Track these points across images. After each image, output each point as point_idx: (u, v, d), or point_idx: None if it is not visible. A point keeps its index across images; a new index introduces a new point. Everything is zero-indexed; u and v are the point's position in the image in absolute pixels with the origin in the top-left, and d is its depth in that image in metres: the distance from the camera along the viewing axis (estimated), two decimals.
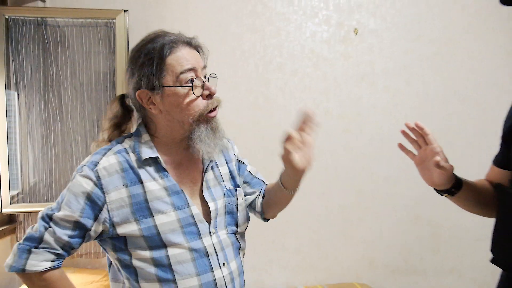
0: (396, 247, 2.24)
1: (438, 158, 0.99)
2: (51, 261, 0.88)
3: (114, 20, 2.00)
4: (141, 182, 0.91)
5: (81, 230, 0.89)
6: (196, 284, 0.92)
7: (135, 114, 1.03)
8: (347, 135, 2.17)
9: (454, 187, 1.04)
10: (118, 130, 1.01)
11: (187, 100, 0.92)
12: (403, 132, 1.10)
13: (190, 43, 0.95)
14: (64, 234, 0.87)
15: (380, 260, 2.24)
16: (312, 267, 2.22)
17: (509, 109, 1.10)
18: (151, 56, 0.90)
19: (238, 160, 1.15)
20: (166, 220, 0.91)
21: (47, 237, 0.87)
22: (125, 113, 1.02)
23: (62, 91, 1.99)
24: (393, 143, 2.23)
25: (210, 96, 0.95)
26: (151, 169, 0.93)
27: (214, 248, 0.96)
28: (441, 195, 1.10)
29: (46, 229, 0.87)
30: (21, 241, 0.89)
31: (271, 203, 1.13)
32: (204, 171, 1.01)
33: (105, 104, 2.03)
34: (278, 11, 2.12)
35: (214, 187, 1.02)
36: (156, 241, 0.90)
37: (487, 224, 1.04)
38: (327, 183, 2.19)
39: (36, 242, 0.87)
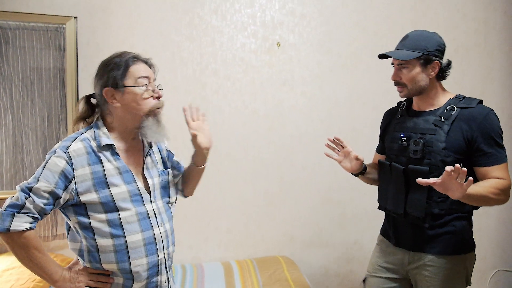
0: (311, 225, 2.68)
1: (355, 153, 1.62)
2: (30, 223, 1.13)
3: (64, 26, 2.21)
4: (101, 162, 1.21)
5: (54, 199, 1.15)
6: (141, 238, 1.24)
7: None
8: (271, 132, 2.57)
9: (363, 169, 1.67)
10: (84, 122, 1.31)
11: (141, 97, 1.24)
12: (327, 145, 1.70)
13: (147, 62, 1.29)
14: (41, 202, 1.13)
15: (298, 236, 2.67)
16: (241, 244, 2.59)
17: (383, 117, 1.72)
18: (119, 64, 1.22)
19: (168, 150, 1.50)
20: (119, 191, 1.22)
21: (28, 204, 1.12)
22: (90, 109, 1.31)
23: (13, 88, 2.17)
24: (309, 138, 2.77)
25: (158, 97, 1.29)
26: (107, 153, 1.23)
27: (154, 212, 1.29)
28: (356, 176, 1.72)
29: (26, 198, 1.13)
30: (3, 208, 1.13)
31: (187, 180, 1.50)
32: (145, 157, 1.34)
33: (55, 101, 2.23)
34: (213, 24, 2.46)
35: (151, 169, 1.35)
36: (111, 207, 1.20)
37: None
38: (254, 173, 2.56)
39: (18, 208, 1.12)
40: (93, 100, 1.32)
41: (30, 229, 1.14)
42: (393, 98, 2.62)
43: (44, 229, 2.24)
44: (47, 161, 1.16)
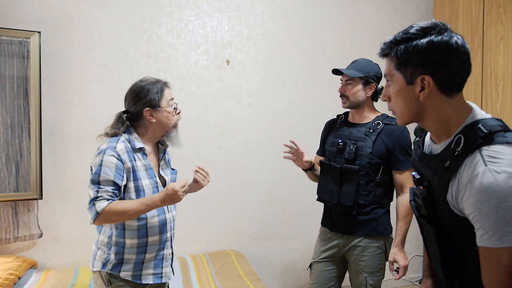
0: (257, 221, 3.02)
1: (306, 157, 2.00)
2: (107, 200, 1.43)
3: (28, 39, 2.37)
4: (134, 160, 1.54)
5: (116, 186, 1.46)
6: (157, 220, 1.60)
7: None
8: (221, 138, 2.89)
9: (312, 166, 2.04)
10: (117, 130, 1.57)
11: (171, 115, 1.61)
12: (286, 145, 2.05)
13: (170, 87, 1.65)
14: (109, 188, 1.45)
15: (246, 231, 3.00)
16: (195, 239, 2.86)
17: (324, 126, 2.12)
18: (156, 91, 1.57)
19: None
20: (146, 183, 1.57)
21: (99, 194, 1.44)
22: (123, 122, 1.59)
23: None
24: (255, 144, 3.11)
25: (179, 113, 1.66)
26: (139, 154, 1.57)
27: None
28: (305, 172, 2.09)
29: (97, 190, 1.44)
30: (87, 205, 1.44)
31: None
32: (160, 159, 1.70)
33: (18, 109, 2.37)
34: (169, 42, 2.74)
35: (165, 169, 1.72)
36: (140, 195, 1.53)
37: (319, 202, 2.01)
38: None
39: (94, 198, 1.43)
40: (124, 116, 1.59)
41: (109, 203, 1.43)
42: (326, 110, 3.09)
43: (6, 232, 2.35)
44: (102, 160, 1.47)
